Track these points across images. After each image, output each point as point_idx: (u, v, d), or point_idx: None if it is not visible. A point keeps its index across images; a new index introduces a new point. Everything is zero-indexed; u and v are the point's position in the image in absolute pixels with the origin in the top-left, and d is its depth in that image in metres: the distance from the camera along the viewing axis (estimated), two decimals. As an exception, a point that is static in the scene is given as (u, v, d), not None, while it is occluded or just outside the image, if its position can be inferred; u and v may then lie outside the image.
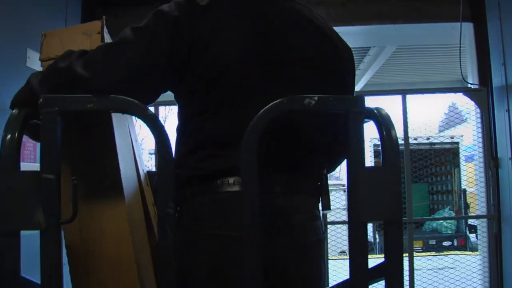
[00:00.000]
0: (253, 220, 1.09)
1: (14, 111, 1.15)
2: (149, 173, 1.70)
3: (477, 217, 4.28)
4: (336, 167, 1.74)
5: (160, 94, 1.38)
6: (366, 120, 1.34)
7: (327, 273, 1.48)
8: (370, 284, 1.45)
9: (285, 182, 1.34)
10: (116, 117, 1.38)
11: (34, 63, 3.09)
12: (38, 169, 1.08)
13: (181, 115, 1.42)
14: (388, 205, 1.20)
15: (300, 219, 1.35)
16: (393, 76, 9.55)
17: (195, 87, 1.35)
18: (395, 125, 1.26)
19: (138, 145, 1.70)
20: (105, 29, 1.43)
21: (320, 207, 1.49)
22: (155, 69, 1.30)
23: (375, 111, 1.28)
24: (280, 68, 1.37)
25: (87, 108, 1.13)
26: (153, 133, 1.15)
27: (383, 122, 1.25)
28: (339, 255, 11.89)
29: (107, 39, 1.46)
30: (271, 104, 1.14)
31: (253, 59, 1.35)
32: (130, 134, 1.55)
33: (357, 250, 1.19)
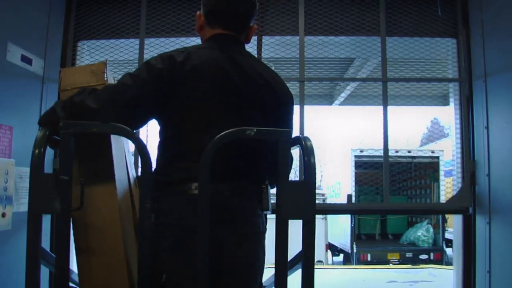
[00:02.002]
0: (204, 215, 1.63)
1: (40, 130, 1.69)
2: (138, 177, 2.23)
3: (448, 80, 4.56)
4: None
5: (147, 122, 1.94)
6: (296, 146, 1.88)
7: (264, 258, 2.01)
8: (292, 270, 1.99)
9: (233, 188, 1.88)
10: (114, 136, 1.93)
11: (14, 57, 3.23)
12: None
13: (161, 136, 1.97)
14: (304, 209, 1.73)
15: (243, 215, 1.89)
16: (377, 88, 9.40)
17: (171, 118, 1.91)
18: (315, 153, 1.79)
19: (130, 155, 2.23)
20: (107, 68, 1.97)
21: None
22: (144, 105, 1.86)
23: (302, 140, 1.83)
24: (233, 107, 1.92)
25: (93, 131, 1.66)
26: (138, 149, 1.69)
27: (306, 149, 1.79)
28: (316, 264, 12.38)
29: (109, 76, 2.00)
30: (222, 133, 1.69)
31: (213, 101, 1.90)
32: (124, 148, 2.10)
33: (281, 241, 1.71)
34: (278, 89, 2.05)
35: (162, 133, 1.96)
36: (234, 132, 1.70)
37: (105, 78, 1.94)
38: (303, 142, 1.82)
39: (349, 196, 4.40)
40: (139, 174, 1.91)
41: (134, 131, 1.79)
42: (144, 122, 1.94)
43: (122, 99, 1.81)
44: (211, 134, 1.72)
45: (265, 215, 2.03)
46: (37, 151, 1.62)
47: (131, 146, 2.31)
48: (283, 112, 2.07)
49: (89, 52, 4.51)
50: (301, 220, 1.76)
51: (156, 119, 1.96)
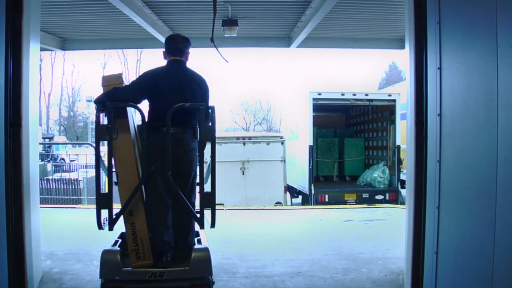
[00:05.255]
0: (168, 140, 4.54)
1: (96, 106, 4.57)
2: (139, 126, 5.09)
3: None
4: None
5: (142, 101, 4.83)
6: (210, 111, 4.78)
7: (196, 161, 4.74)
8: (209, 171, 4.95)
9: (180, 129, 4.79)
10: (129, 109, 4.80)
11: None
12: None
13: (149, 107, 4.88)
14: (210, 137, 4.63)
15: (186, 142, 4.83)
16: (335, 30, 10.76)
17: (153, 99, 4.84)
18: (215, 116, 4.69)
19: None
20: (123, 76, 4.83)
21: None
22: (141, 94, 4.80)
23: (211, 109, 4.73)
24: (181, 94, 4.80)
25: (121, 105, 4.54)
26: (139, 113, 4.61)
27: (212, 114, 4.70)
28: (275, 205, 14.84)
29: (125, 80, 4.85)
30: (175, 106, 4.57)
31: (170, 92, 4.79)
32: (133, 115, 4.96)
33: (201, 154, 4.65)
34: (200, 83, 4.99)
35: (149, 105, 4.87)
36: (180, 105, 4.60)
37: (123, 80, 4.78)
38: (212, 110, 4.70)
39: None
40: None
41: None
42: (141, 101, 4.82)
43: (131, 92, 4.71)
44: (170, 106, 4.59)
45: (197, 141, 4.92)
46: (96, 119, 4.49)
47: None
48: (204, 95, 4.99)
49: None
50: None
51: (147, 99, 4.85)
